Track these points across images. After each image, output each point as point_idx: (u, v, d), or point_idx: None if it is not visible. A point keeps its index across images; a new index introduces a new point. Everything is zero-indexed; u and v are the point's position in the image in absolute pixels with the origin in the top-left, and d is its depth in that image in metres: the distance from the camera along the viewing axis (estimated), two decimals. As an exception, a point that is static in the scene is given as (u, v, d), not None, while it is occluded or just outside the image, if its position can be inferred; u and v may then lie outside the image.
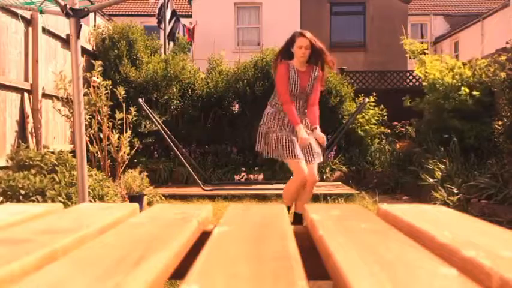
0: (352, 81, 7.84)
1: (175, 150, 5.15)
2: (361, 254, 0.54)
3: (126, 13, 15.70)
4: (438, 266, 0.49)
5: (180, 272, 0.60)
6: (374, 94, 6.53)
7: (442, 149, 4.89)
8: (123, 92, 4.45)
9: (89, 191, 3.03)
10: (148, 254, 0.54)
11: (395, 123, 6.76)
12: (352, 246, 0.58)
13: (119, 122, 4.31)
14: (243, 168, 5.99)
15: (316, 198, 4.43)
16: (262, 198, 4.84)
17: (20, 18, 4.11)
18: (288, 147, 2.98)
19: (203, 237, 0.76)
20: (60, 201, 3.00)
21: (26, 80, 4.37)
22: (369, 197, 4.75)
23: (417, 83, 7.99)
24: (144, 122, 5.75)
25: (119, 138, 4.29)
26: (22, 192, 3.01)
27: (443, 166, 4.55)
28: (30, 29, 4.41)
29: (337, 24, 12.56)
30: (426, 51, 5.83)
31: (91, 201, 3.12)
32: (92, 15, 11.38)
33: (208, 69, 6.79)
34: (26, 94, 4.32)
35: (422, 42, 6.25)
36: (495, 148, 4.69)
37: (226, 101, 6.36)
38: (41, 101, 4.51)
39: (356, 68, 9.52)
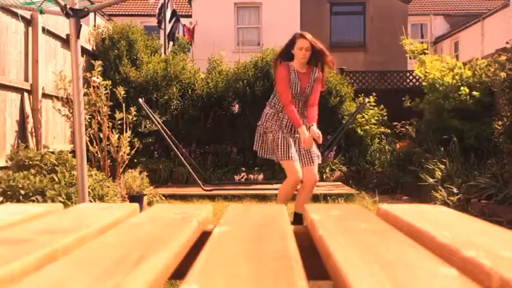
0: (352, 81, 7.84)
1: (175, 150, 5.15)
2: (361, 254, 0.54)
3: (126, 13, 15.70)
4: (438, 266, 0.49)
5: (180, 272, 0.60)
6: (374, 94, 6.53)
7: (442, 149, 4.89)
8: (123, 92, 4.46)
9: (89, 191, 3.03)
10: (149, 254, 0.54)
11: (395, 123, 6.76)
12: (352, 246, 0.58)
13: (119, 122, 4.32)
14: (243, 168, 5.99)
15: (316, 198, 4.43)
16: (262, 198, 4.84)
17: (20, 18, 4.11)
18: (283, 148, 2.98)
19: (203, 237, 0.76)
20: (60, 201, 3.00)
21: (26, 80, 4.37)
22: (369, 197, 4.75)
23: (417, 83, 7.99)
24: (144, 122, 5.75)
25: (119, 138, 4.29)
26: (22, 192, 3.01)
27: (443, 166, 4.55)
28: (30, 29, 4.41)
29: (337, 24, 12.56)
30: (426, 51, 5.83)
31: (91, 201, 3.12)
32: (92, 15, 11.38)
33: (208, 69, 6.79)
34: (26, 94, 4.32)
35: (422, 42, 6.25)
36: (495, 148, 4.69)
37: (226, 101, 6.36)
38: (41, 101, 4.51)
39: (356, 68, 9.52)
